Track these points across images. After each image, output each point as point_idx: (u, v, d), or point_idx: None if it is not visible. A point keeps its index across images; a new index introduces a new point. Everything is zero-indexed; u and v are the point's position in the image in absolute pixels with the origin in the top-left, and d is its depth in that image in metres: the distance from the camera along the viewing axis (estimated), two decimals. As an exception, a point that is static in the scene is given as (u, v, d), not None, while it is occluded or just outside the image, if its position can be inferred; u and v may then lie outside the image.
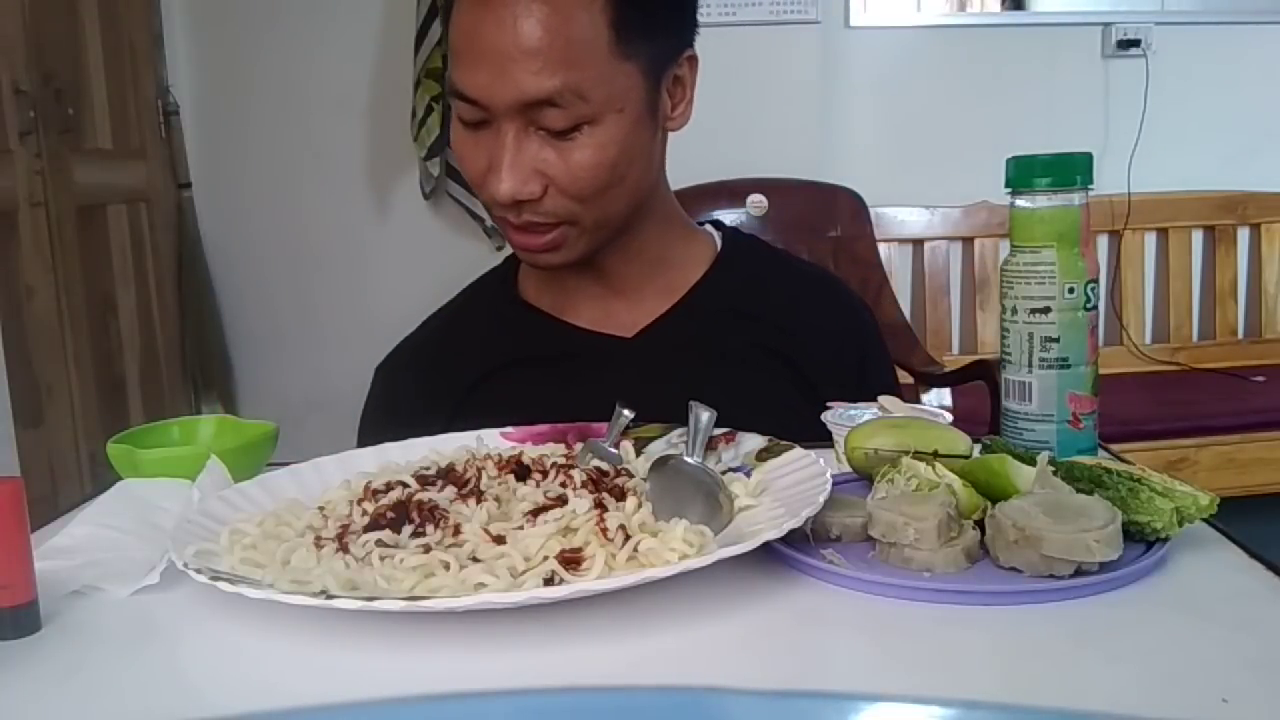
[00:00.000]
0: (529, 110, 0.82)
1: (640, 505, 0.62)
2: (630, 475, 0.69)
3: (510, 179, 0.83)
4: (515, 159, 0.83)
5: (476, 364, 0.96)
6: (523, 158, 0.83)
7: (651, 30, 0.85)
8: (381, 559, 0.57)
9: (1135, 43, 2.79)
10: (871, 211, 2.34)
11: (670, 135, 0.94)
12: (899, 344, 2.12)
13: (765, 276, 1.02)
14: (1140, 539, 0.59)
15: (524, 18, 0.80)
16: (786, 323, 0.97)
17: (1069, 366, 0.73)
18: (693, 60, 0.91)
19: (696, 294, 0.98)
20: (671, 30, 0.89)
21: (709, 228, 1.04)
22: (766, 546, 0.58)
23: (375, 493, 0.66)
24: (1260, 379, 2.68)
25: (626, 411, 0.78)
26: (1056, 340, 0.73)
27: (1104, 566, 0.55)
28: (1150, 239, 2.90)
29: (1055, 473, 0.63)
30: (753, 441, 0.76)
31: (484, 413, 0.87)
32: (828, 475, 0.64)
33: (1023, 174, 0.74)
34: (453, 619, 0.54)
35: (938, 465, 0.64)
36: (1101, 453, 0.76)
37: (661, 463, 0.70)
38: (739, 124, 2.39)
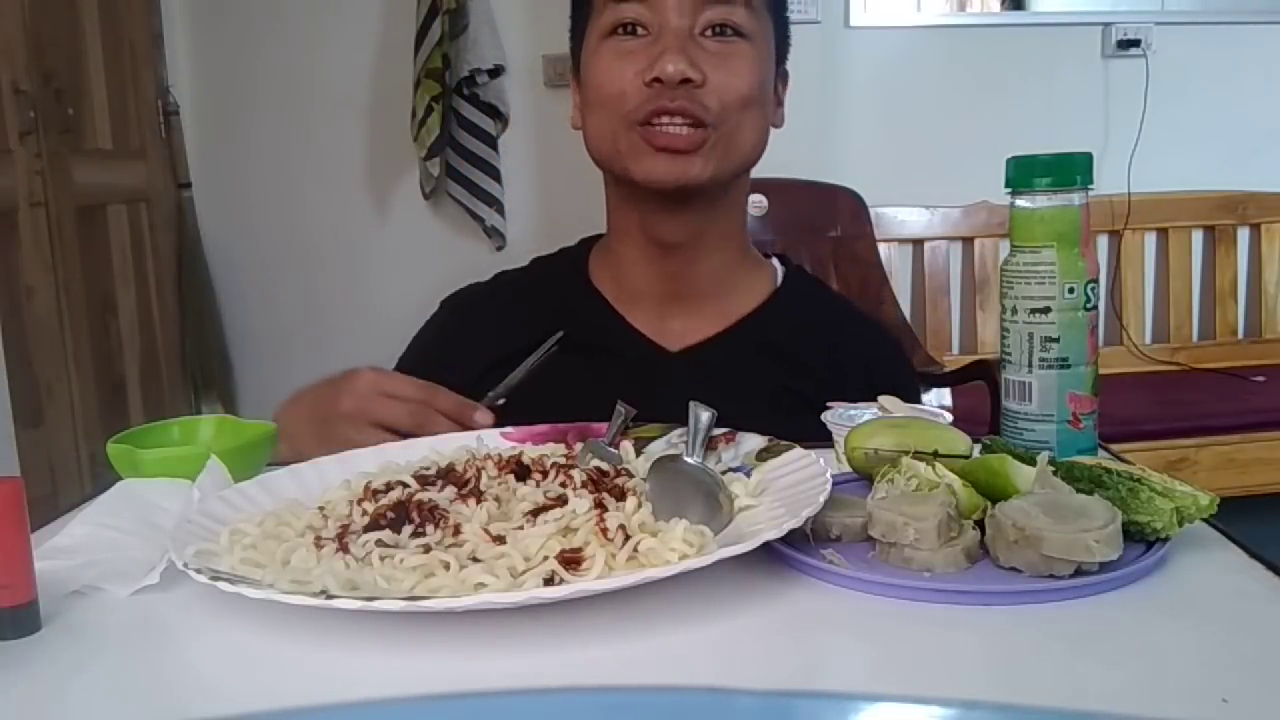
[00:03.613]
0: (705, 7, 0.92)
1: (640, 505, 0.62)
2: (630, 475, 0.68)
3: (679, 59, 0.90)
4: (682, 46, 0.91)
5: (530, 331, 0.99)
6: (687, 50, 0.91)
7: (777, 7, 0.99)
8: (381, 559, 0.57)
9: (1135, 43, 2.80)
10: (871, 211, 2.34)
11: None
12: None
13: (815, 321, 1.06)
14: (1140, 539, 0.59)
15: None
16: (822, 368, 1.01)
17: (1069, 366, 0.73)
18: (785, 75, 1.04)
19: (745, 326, 1.02)
20: (783, 25, 1.01)
21: (775, 261, 1.09)
22: (766, 546, 0.58)
23: (375, 493, 0.66)
24: (1260, 379, 2.68)
25: (627, 410, 0.78)
26: (1056, 340, 0.73)
27: (1104, 566, 0.55)
28: (1150, 239, 2.90)
29: (1055, 473, 0.63)
30: (753, 441, 0.76)
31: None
32: (828, 475, 0.64)
33: (1023, 174, 0.74)
34: (453, 619, 0.54)
35: (938, 465, 0.64)
36: (1101, 453, 0.76)
37: (661, 463, 0.70)
38: (739, 124, 2.39)
